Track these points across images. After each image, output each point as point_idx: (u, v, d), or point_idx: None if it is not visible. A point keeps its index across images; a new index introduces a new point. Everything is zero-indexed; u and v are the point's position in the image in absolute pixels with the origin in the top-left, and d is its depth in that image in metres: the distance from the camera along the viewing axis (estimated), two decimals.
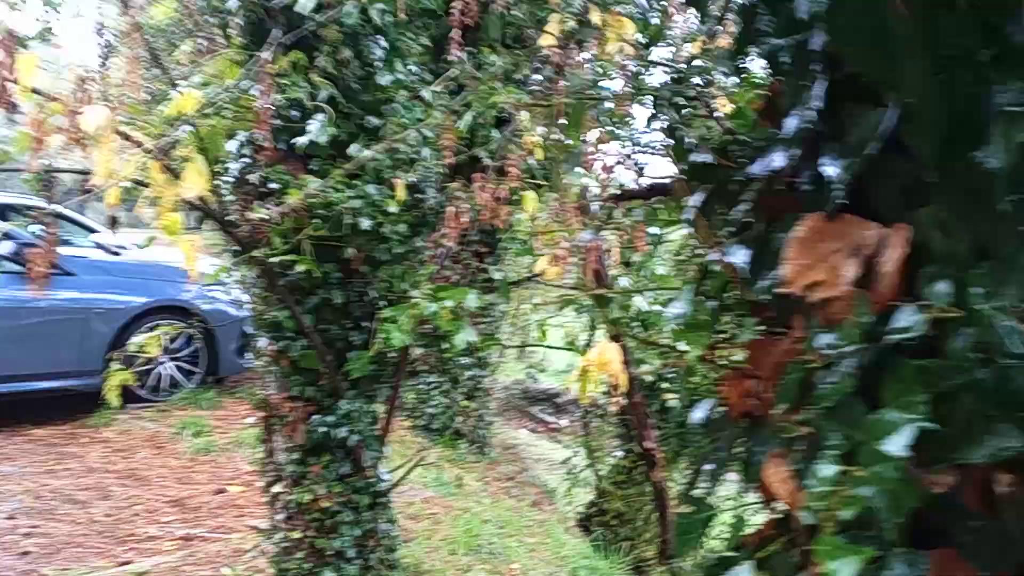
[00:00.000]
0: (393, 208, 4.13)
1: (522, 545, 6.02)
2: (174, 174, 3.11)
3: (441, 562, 5.25)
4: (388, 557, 4.69)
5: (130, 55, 3.05)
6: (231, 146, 4.41)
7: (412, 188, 4.44)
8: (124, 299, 7.56)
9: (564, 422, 10.82)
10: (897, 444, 0.94)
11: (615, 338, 2.78)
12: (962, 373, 0.96)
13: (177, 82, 4.02)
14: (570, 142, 3.85)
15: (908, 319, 0.96)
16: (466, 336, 4.22)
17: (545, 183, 3.46)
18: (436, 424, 7.59)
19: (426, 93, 4.44)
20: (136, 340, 4.33)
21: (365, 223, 4.16)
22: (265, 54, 2.74)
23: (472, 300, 4.17)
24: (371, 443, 4.52)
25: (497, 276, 6.48)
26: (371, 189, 4.22)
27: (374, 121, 4.34)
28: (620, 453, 7.77)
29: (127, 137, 3.20)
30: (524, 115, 3.82)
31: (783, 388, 1.13)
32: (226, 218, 4.15)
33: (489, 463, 7.77)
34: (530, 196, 3.55)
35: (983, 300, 0.92)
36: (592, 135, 3.71)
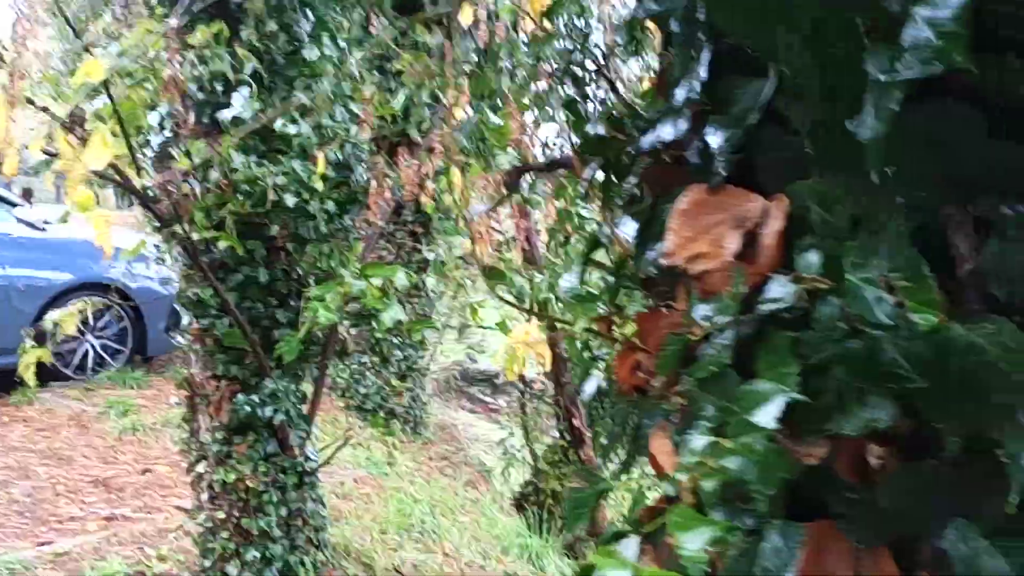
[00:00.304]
0: (319, 185, 4.06)
1: (455, 524, 6.02)
2: (85, 145, 3.00)
3: (371, 542, 5.23)
4: (315, 537, 4.65)
5: (38, 23, 2.92)
6: (152, 119, 4.29)
7: (340, 165, 4.37)
8: (47, 276, 7.33)
9: (502, 403, 10.84)
10: (767, 415, 0.94)
11: (541, 317, 2.76)
12: (833, 344, 0.96)
13: (91, 50, 3.88)
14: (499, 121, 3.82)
15: (779, 290, 0.96)
16: (394, 314, 4.18)
17: (473, 161, 3.43)
18: (369, 404, 7.53)
19: (354, 68, 4.36)
20: (52, 316, 4.18)
21: (290, 200, 4.09)
22: (173, 21, 2.64)
23: (401, 278, 4.13)
24: (298, 422, 4.46)
25: (430, 256, 6.43)
26: (296, 165, 4.15)
27: (300, 96, 4.26)
28: (556, 433, 7.81)
29: (36, 105, 3.08)
30: (453, 93, 3.77)
31: (662, 360, 1.12)
32: (146, 192, 4.04)
33: (424, 443, 7.75)
34: (456, 174, 3.51)
35: (853, 271, 0.92)
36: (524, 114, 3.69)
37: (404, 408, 7.66)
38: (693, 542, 0.88)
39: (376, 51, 3.87)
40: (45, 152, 3.16)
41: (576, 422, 6.35)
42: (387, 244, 7.24)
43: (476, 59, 2.14)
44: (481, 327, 6.06)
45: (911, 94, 0.95)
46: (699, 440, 0.95)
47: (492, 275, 1.44)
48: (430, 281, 6.66)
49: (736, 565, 1.09)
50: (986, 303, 0.94)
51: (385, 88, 4.84)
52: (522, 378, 8.50)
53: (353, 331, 7.35)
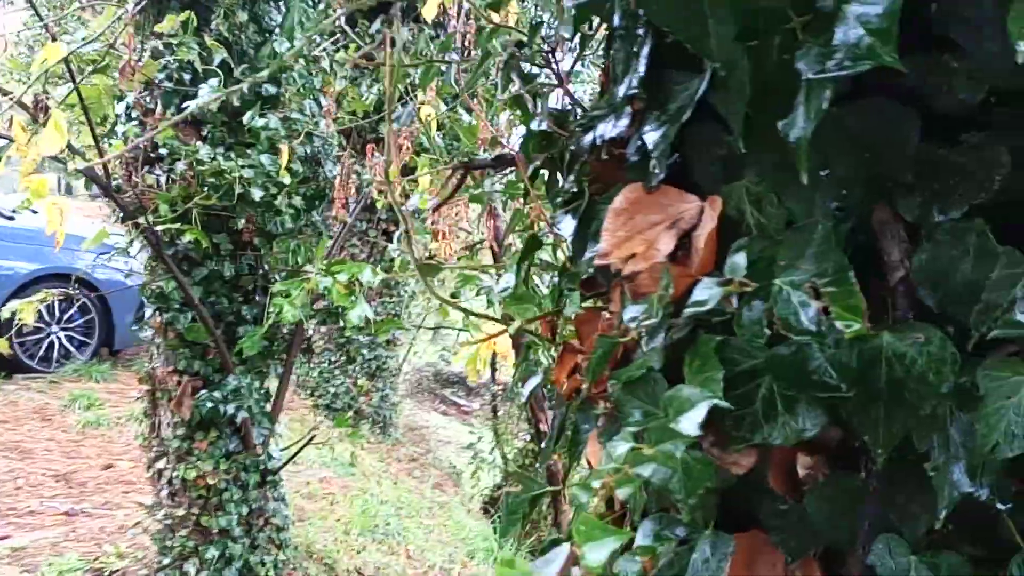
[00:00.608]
0: (287, 179, 4.01)
1: (420, 527, 5.98)
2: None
3: (334, 542, 5.17)
4: (277, 536, 4.59)
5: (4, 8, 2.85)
6: (120, 108, 4.22)
7: (309, 160, 4.32)
8: (12, 265, 7.22)
9: (476, 405, 10.79)
10: (690, 422, 0.90)
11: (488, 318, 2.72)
12: (762, 350, 0.93)
13: (57, 37, 3.81)
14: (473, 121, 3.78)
15: (705, 293, 0.93)
16: (361, 312, 4.12)
17: (441, 158, 3.39)
18: (338, 404, 7.46)
19: (325, 62, 4.31)
20: (11, 306, 4.10)
21: (257, 193, 4.03)
22: (130, 5, 2.59)
23: (367, 275, 4.08)
24: (261, 420, 4.40)
25: (396, 254, 6.37)
26: (264, 159, 4.09)
27: (270, 89, 4.20)
28: (528, 436, 7.77)
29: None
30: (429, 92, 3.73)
31: (591, 363, 1.09)
32: (110, 182, 3.97)
33: (392, 444, 7.69)
34: (427, 173, 3.47)
35: (779, 274, 0.89)
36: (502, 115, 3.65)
37: (373, 408, 7.59)
38: (596, 552, 0.85)
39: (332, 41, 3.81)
40: (2, 136, 3.10)
41: (543, 426, 6.32)
42: (359, 242, 7.18)
43: (437, 53, 2.10)
44: (455, 329, 6.02)
45: (845, 94, 0.92)
46: (621, 446, 0.92)
47: (426, 269, 1.41)
48: (403, 281, 6.61)
49: (665, 575, 1.06)
50: (916, 311, 0.92)
51: (358, 83, 4.80)
52: (495, 380, 8.47)
53: (321, 329, 7.29)
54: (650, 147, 1.07)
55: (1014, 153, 0.89)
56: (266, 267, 4.38)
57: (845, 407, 0.93)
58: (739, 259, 0.92)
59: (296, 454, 4.63)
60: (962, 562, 0.94)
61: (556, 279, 1.40)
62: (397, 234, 6.93)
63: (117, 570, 4.59)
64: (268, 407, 4.49)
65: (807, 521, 1.01)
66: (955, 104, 0.92)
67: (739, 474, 1.01)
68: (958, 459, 0.89)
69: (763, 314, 0.89)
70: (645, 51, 1.10)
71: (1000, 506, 0.91)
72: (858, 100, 0.93)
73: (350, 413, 7.39)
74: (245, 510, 4.42)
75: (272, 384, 4.57)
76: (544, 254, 1.45)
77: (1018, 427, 0.84)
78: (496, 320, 1.45)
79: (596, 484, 0.90)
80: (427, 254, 4.55)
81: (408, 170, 3.75)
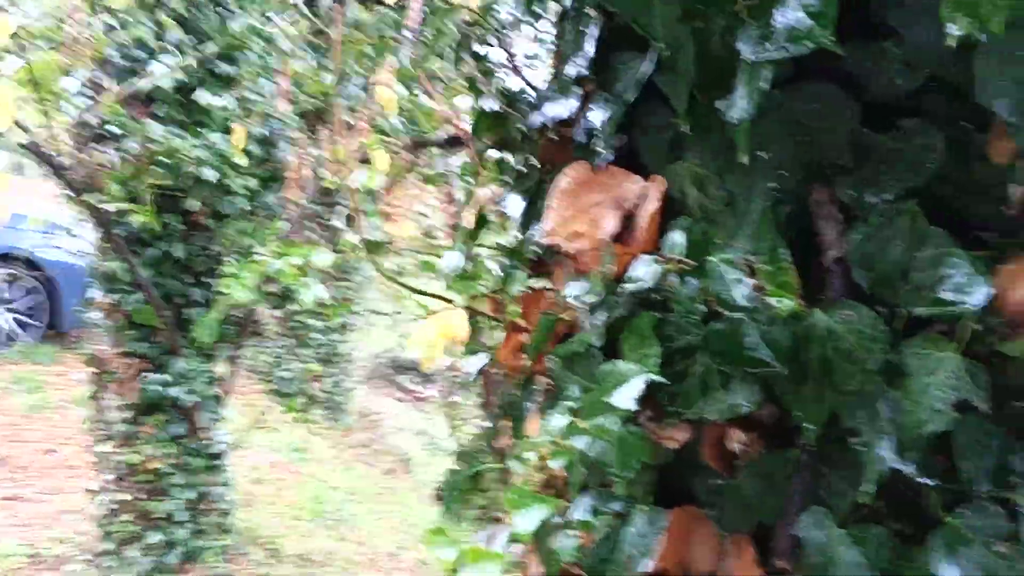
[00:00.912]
0: (241, 160, 3.95)
1: (371, 513, 5.96)
2: None
3: (282, 527, 5.13)
4: (222, 521, 4.54)
5: None
6: (70, 85, 4.13)
7: (264, 141, 4.26)
8: None
9: (431, 391, 10.75)
10: (624, 396, 0.92)
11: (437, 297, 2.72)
12: (698, 327, 0.95)
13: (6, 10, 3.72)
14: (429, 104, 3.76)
15: (644, 270, 0.94)
16: (315, 293, 4.08)
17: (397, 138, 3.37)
18: (290, 389, 7.40)
19: (284, 42, 4.26)
20: None
21: (210, 174, 3.97)
22: None
23: (321, 257, 4.05)
24: (208, 404, 4.35)
25: (348, 237, 6.31)
26: (217, 139, 4.03)
27: (225, 67, 4.14)
28: (482, 422, 7.78)
29: None
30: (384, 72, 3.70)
31: (533, 340, 1.10)
32: (58, 159, 3.89)
33: (344, 430, 7.64)
34: (381, 154, 3.44)
35: (715, 252, 0.91)
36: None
37: (325, 394, 7.54)
38: (526, 520, 0.86)
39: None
40: None
41: (494, 409, 6.31)
42: (317, 227, 7.10)
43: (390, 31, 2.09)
44: (410, 315, 5.99)
45: (786, 78, 0.94)
46: (558, 420, 0.93)
47: (373, 248, 1.40)
48: (358, 265, 6.56)
49: (601, 549, 1.08)
50: (850, 291, 0.94)
51: (317, 64, 4.74)
52: (451, 366, 8.44)
53: (275, 313, 7.22)
54: (597, 128, 1.08)
55: (948, 139, 0.92)
56: (218, 249, 4.32)
57: (779, 384, 0.95)
58: (678, 237, 0.93)
59: (244, 438, 4.58)
60: (888, 536, 0.96)
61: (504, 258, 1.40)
62: (346, 216, 6.87)
63: (58, 555, 4.50)
64: (217, 391, 4.44)
65: (741, 496, 1.03)
66: (892, 90, 0.94)
67: (675, 449, 1.03)
68: (886, 435, 0.91)
69: (699, 291, 0.91)
70: (594, 32, 1.11)
71: (925, 481, 0.93)
72: (798, 84, 0.95)
73: (301, 398, 7.33)
74: (191, 495, 4.36)
75: (221, 368, 4.52)
76: (498, 235, 1.46)
77: (942, 404, 0.87)
78: (446, 300, 1.45)
79: (530, 456, 0.91)
80: (382, 237, 4.52)
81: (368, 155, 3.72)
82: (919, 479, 0.93)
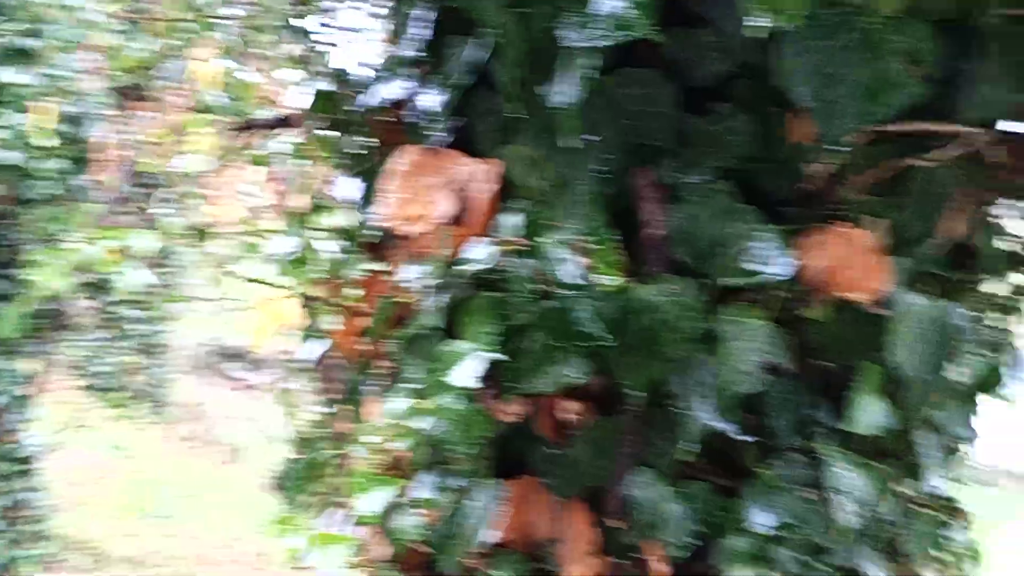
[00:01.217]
0: (47, 141, 3.68)
1: (204, 506, 5.74)
2: None
3: (104, 529, 4.86)
4: (38, 528, 4.25)
5: None
6: None
7: (72, 120, 3.98)
8: None
9: (262, 378, 10.44)
10: (463, 374, 0.94)
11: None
12: (532, 305, 0.99)
13: None
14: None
15: (479, 251, 0.97)
16: (135, 280, 3.87)
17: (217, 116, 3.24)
18: (109, 383, 6.98)
19: (95, 14, 3.98)
20: None
21: (11, 156, 3.68)
22: None
23: (142, 241, 3.84)
24: (15, 404, 4.04)
25: (168, 221, 6.04)
26: (20, 119, 3.73)
27: (29, 43, 3.84)
28: (319, 408, 7.63)
29: None
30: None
31: (373, 323, 1.11)
32: None
33: (170, 423, 7.31)
34: (203, 133, 3.31)
35: (544, 233, 0.95)
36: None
37: (147, 386, 7.18)
38: (369, 502, 0.87)
39: None
40: None
41: (333, 396, 6.22)
42: (136, 209, 6.71)
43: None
44: (236, 300, 5.79)
45: (611, 64, 0.99)
46: (399, 402, 0.95)
47: (196, 232, 1.35)
48: (178, 250, 6.27)
49: (445, 525, 1.10)
50: (671, 265, 1.00)
51: (130, 38, 4.47)
52: (283, 352, 8.22)
53: (88, 303, 6.78)
54: (431, 110, 1.09)
55: (755, 122, 1.00)
56: (23, 237, 4.02)
57: (607, 355, 1.00)
58: (512, 219, 0.96)
59: (59, 440, 4.30)
60: (709, 490, 1.04)
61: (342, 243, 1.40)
62: (166, 198, 6.55)
63: None
64: (24, 390, 4.14)
65: (574, 463, 1.09)
66: (708, 76, 1.01)
67: (513, 423, 1.07)
68: (704, 398, 0.99)
69: (532, 271, 0.94)
70: (428, 14, 1.12)
71: (741, 438, 1.02)
72: (623, 70, 1.00)
73: (121, 393, 6.93)
74: (4, 503, 4.06)
75: (31, 365, 4.21)
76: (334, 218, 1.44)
77: (752, 366, 0.95)
78: (276, 286, 1.43)
79: (372, 440, 0.92)
80: (205, 220, 4.35)
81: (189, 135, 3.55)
82: (735, 436, 1.01)
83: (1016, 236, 1.27)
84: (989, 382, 1.15)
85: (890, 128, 0.98)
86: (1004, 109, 0.99)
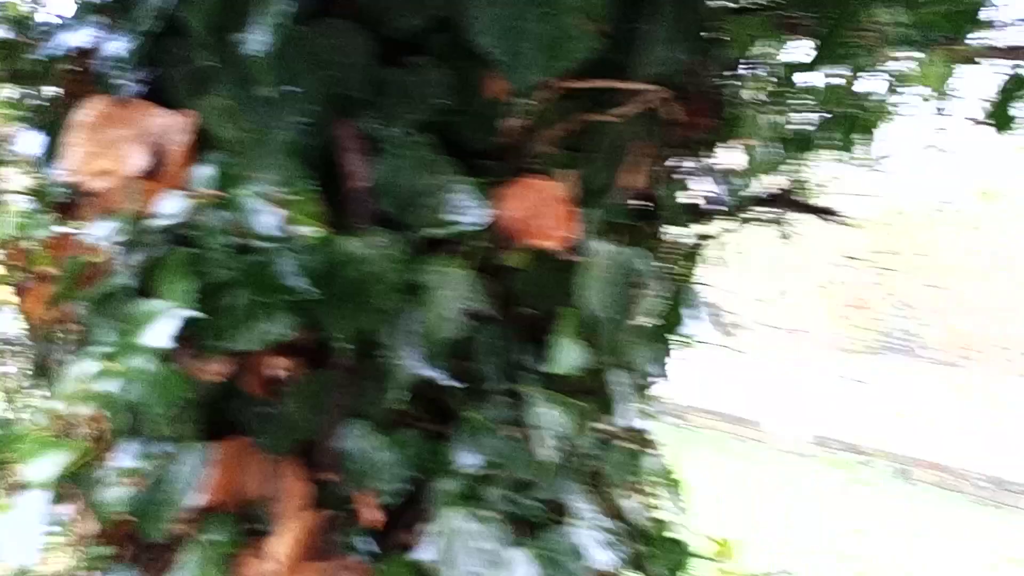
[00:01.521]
0: None
1: None
2: None
3: None
4: None
5: None
6: None
7: None
8: None
9: None
10: (158, 334, 0.90)
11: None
12: (233, 259, 0.96)
13: None
14: None
15: (172, 205, 0.93)
16: None
17: None
18: None
19: None
20: None
21: None
22: None
23: None
24: None
25: None
26: None
27: None
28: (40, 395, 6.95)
29: None
30: None
31: (60, 286, 1.03)
32: None
33: None
34: None
35: (239, 185, 0.92)
36: None
37: None
38: (41, 468, 0.81)
39: None
40: None
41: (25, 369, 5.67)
42: None
43: None
44: None
45: (308, 13, 0.97)
46: (83, 366, 0.88)
47: None
48: None
49: (151, 492, 1.05)
50: (376, 217, 1.01)
51: None
52: None
53: None
54: (118, 58, 1.02)
55: (452, 76, 1.02)
56: None
57: (316, 309, 0.99)
58: (207, 171, 0.93)
59: None
60: (420, 436, 1.07)
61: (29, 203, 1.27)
62: None
63: None
64: None
65: (285, 419, 1.08)
66: (403, 28, 1.01)
67: (220, 382, 1.03)
68: (412, 347, 1.01)
69: (228, 224, 0.91)
70: None
71: (450, 383, 1.05)
72: (319, 20, 0.98)
73: None
74: None
75: None
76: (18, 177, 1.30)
77: (455, 312, 0.99)
78: None
79: (51, 405, 0.86)
80: None
81: None
82: (444, 382, 1.05)
83: (697, 190, 1.41)
84: (671, 323, 1.27)
85: (577, 84, 1.04)
86: (676, 68, 1.08)
